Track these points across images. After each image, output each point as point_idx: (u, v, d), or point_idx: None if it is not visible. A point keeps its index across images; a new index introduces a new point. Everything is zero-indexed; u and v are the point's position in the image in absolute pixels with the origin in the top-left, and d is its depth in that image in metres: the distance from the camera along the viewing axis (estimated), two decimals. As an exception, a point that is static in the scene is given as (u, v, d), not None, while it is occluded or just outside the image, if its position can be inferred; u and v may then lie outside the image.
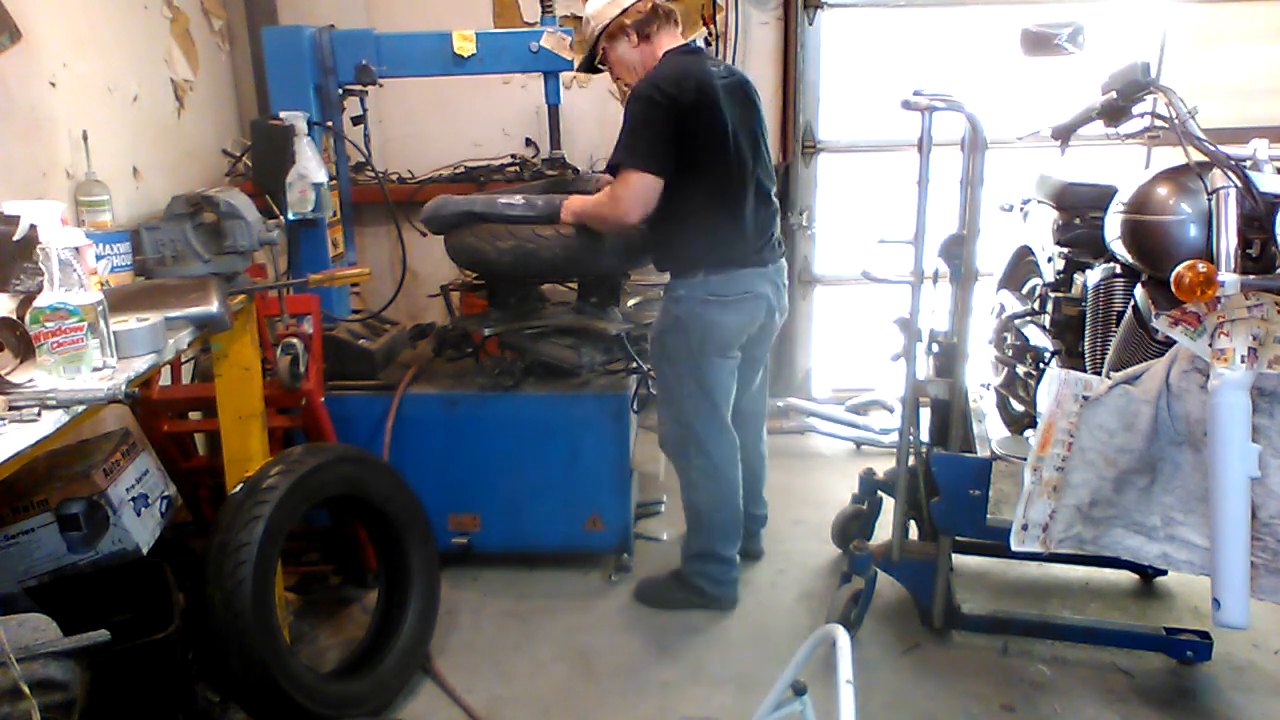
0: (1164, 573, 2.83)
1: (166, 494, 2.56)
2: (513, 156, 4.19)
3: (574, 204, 2.73)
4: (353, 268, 3.25)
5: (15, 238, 1.99)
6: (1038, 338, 2.81)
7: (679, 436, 2.78)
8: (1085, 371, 2.38)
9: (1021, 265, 3.21)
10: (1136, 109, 2.35)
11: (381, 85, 3.31)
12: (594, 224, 2.69)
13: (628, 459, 3.02)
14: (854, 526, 3.13)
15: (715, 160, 2.56)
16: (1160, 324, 2.11)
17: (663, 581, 2.95)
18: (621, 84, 2.76)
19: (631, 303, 3.52)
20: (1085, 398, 2.19)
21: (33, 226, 2.01)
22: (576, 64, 2.83)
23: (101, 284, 2.18)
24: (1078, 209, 2.69)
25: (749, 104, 2.69)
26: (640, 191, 2.50)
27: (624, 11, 2.62)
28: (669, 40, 2.65)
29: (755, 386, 2.98)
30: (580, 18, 4.15)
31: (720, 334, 2.66)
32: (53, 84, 2.73)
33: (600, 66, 2.76)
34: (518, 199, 2.83)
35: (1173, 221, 2.12)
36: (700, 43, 4.19)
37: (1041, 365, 2.75)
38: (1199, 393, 2.04)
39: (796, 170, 4.30)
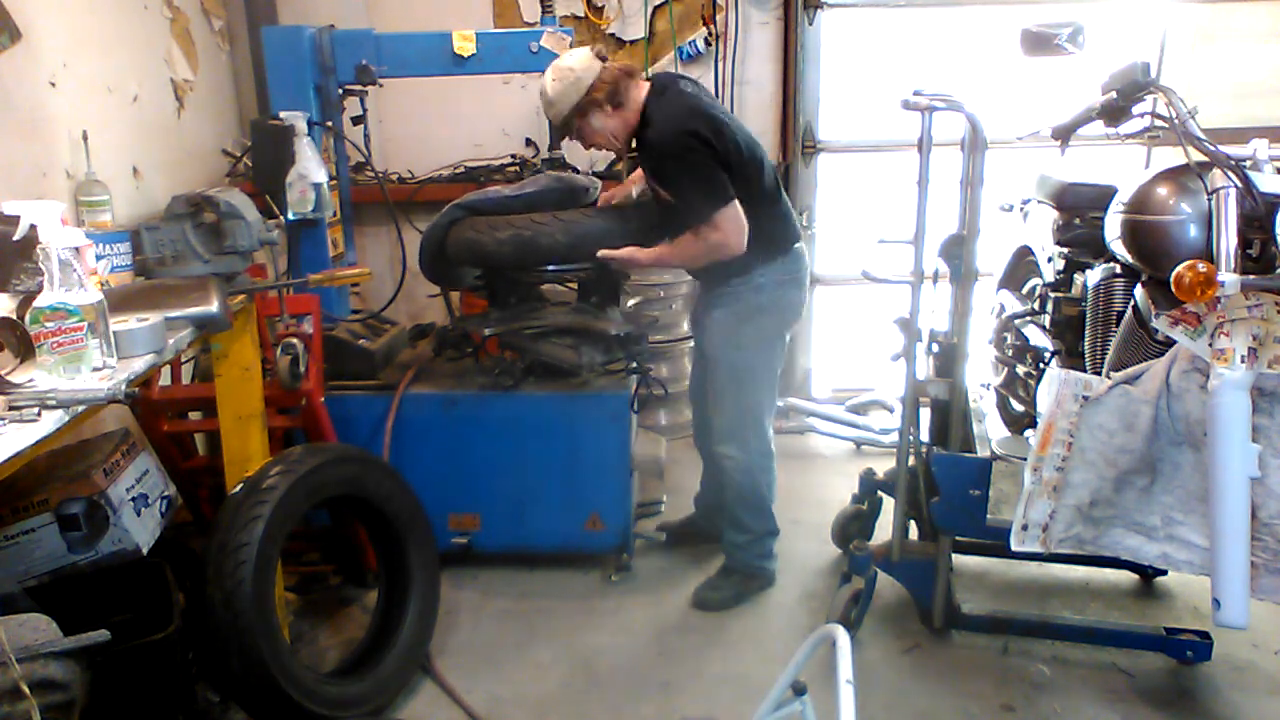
0: (1164, 573, 2.83)
1: (166, 494, 2.56)
2: (513, 156, 4.19)
3: (669, 250, 2.69)
4: (353, 268, 3.25)
5: (15, 238, 1.99)
6: (1038, 338, 2.81)
7: (739, 424, 2.84)
8: (1085, 371, 2.38)
9: (1021, 265, 3.21)
10: (1136, 109, 2.35)
11: (381, 85, 3.30)
12: (701, 262, 2.71)
13: (628, 459, 3.02)
14: (854, 526, 3.13)
15: (751, 159, 2.66)
16: (1160, 324, 2.11)
17: (723, 583, 2.95)
18: (596, 150, 2.79)
19: (631, 303, 3.52)
20: (1085, 398, 2.18)
21: (33, 226, 2.01)
22: (547, 146, 2.86)
23: (101, 284, 2.18)
24: (1078, 209, 2.69)
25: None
26: (736, 221, 2.57)
27: (591, 89, 2.60)
28: (638, 91, 2.66)
29: None
30: (580, 18, 4.19)
31: (795, 311, 2.85)
32: (53, 84, 2.73)
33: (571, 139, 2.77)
34: (506, 189, 2.88)
35: (1173, 221, 2.12)
36: (700, 43, 4.21)
37: (1041, 365, 2.75)
38: (1199, 393, 2.04)
39: (796, 170, 4.30)
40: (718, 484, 3.00)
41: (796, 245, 2.82)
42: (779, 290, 2.77)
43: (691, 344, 3.35)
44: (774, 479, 2.96)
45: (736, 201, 2.56)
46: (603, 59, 2.66)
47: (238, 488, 2.27)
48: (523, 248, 2.72)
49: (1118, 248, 2.35)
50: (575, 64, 2.62)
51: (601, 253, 2.70)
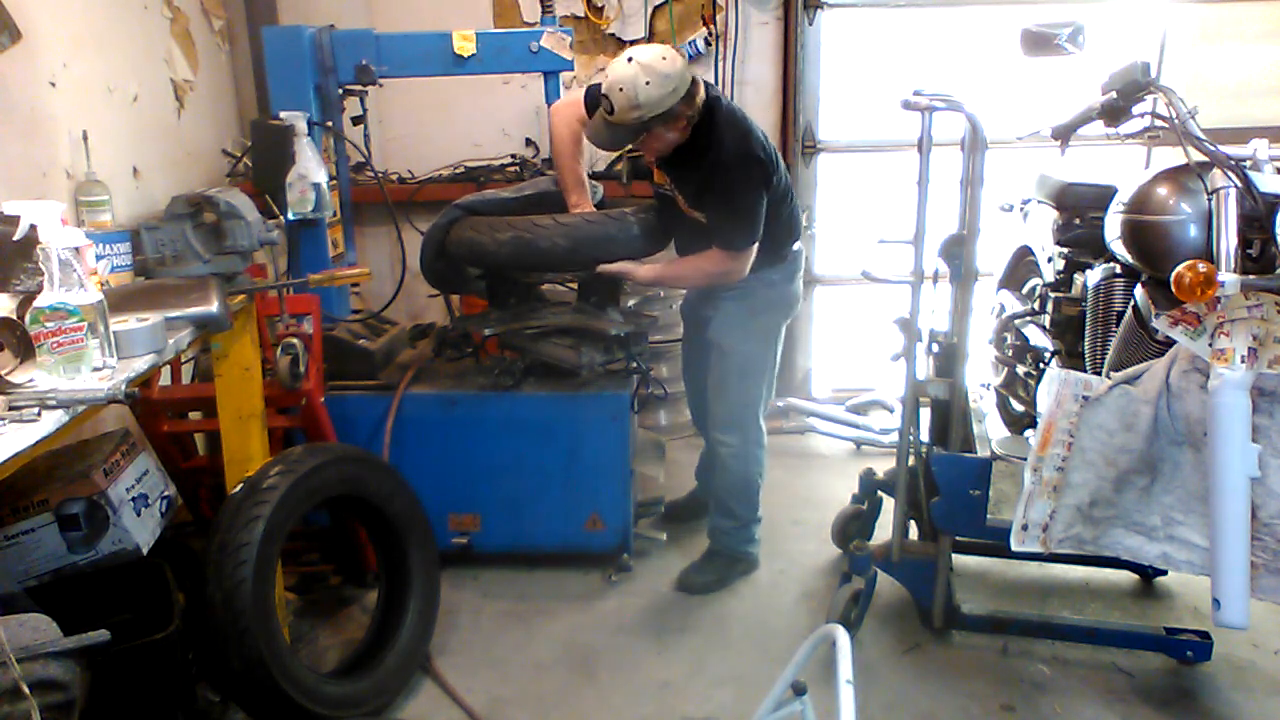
0: (1164, 573, 2.83)
1: (166, 494, 2.55)
2: (513, 156, 4.19)
3: (669, 270, 2.85)
4: (353, 268, 3.25)
5: (15, 238, 1.99)
6: (1038, 338, 2.81)
7: (741, 413, 2.92)
8: (1085, 371, 2.38)
9: (1021, 265, 3.21)
10: (1136, 109, 2.35)
11: (381, 85, 3.30)
12: (702, 285, 2.92)
13: (628, 459, 3.02)
14: (854, 526, 3.13)
15: (781, 163, 2.76)
16: (1160, 324, 2.11)
17: (708, 566, 3.03)
18: (639, 155, 2.81)
19: (631, 303, 3.52)
20: (1085, 398, 2.19)
21: (33, 226, 2.01)
22: (610, 145, 2.67)
23: (101, 284, 2.18)
24: (1078, 209, 2.69)
25: None
26: (751, 257, 2.70)
27: (684, 100, 2.48)
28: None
29: None
30: (580, 18, 4.18)
31: (796, 305, 2.99)
32: (53, 84, 2.73)
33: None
34: (505, 190, 2.93)
35: (1173, 221, 2.13)
36: (700, 43, 4.21)
37: (1041, 365, 2.75)
38: (1199, 393, 2.04)
39: (796, 170, 4.30)
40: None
41: (798, 242, 2.91)
42: (787, 285, 2.90)
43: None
44: (764, 468, 3.03)
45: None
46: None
47: (238, 488, 2.28)
48: (522, 250, 2.71)
49: (1118, 248, 2.35)
50: (672, 70, 2.42)
51: (601, 266, 2.77)
